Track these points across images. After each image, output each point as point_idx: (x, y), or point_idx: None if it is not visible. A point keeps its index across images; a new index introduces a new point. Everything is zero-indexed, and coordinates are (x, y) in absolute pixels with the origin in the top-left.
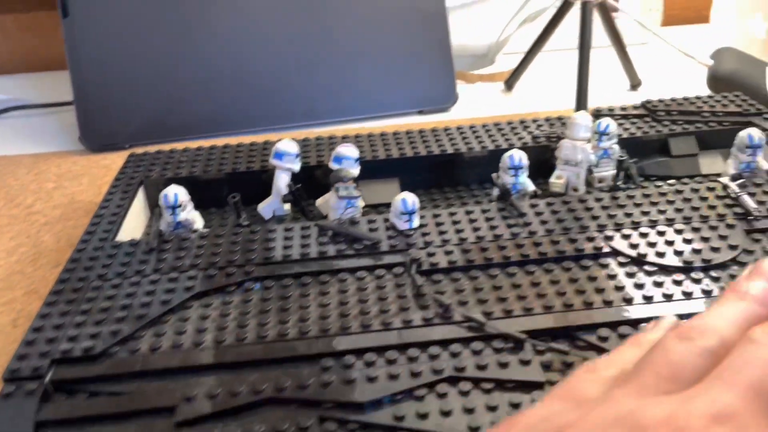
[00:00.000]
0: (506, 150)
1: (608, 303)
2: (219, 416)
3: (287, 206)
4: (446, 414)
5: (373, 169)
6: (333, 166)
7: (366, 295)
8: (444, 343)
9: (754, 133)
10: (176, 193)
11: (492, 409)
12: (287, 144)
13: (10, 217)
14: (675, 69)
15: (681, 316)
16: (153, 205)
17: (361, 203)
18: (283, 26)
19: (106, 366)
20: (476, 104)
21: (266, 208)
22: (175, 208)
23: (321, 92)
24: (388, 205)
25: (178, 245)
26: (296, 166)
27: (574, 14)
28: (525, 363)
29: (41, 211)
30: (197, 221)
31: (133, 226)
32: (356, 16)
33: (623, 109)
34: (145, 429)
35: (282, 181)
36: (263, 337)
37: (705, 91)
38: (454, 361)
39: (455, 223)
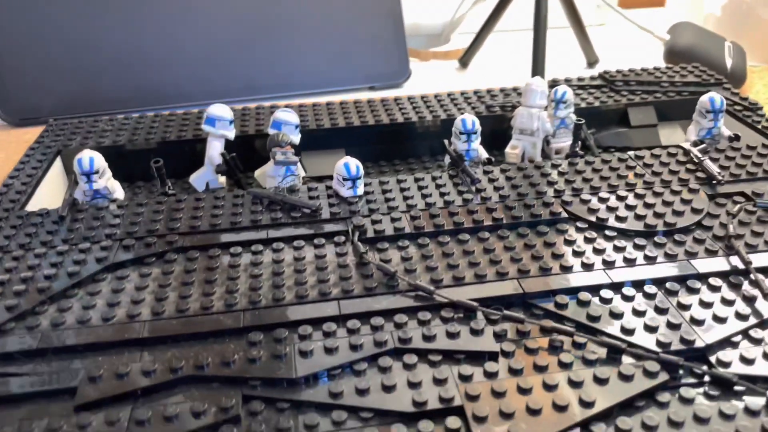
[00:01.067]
0: None
1: (566, 269)
2: (127, 398)
3: (222, 178)
4: (389, 389)
5: (317, 139)
6: (272, 131)
7: (302, 265)
8: (388, 314)
9: (716, 98)
10: (92, 157)
11: (440, 382)
12: (220, 108)
13: None
14: (632, 47)
15: (643, 281)
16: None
17: (301, 172)
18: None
19: None
20: (430, 81)
21: (199, 179)
22: (90, 174)
23: (264, 66)
24: (333, 178)
25: (94, 215)
26: (230, 133)
27: None
28: (477, 333)
29: None
30: (117, 191)
31: (50, 197)
32: None
33: (580, 79)
34: (39, 413)
35: (215, 150)
36: (184, 310)
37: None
38: (398, 332)
39: (403, 190)
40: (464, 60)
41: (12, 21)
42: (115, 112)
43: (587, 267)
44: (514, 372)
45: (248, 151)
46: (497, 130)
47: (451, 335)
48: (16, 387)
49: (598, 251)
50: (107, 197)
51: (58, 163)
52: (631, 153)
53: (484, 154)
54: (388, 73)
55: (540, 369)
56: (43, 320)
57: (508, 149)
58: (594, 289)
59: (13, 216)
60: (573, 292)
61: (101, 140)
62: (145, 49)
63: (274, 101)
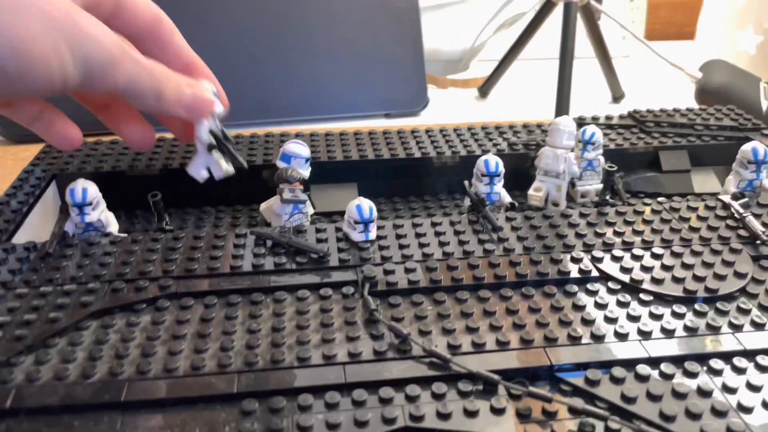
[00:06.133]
0: (480, 156)
1: (598, 338)
2: None
3: (223, 164)
4: None
5: (329, 172)
6: (280, 164)
7: (306, 320)
8: (399, 384)
9: (759, 148)
10: (85, 188)
11: None
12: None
13: None
14: (659, 82)
15: (684, 357)
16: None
17: (309, 209)
18: (233, 17)
19: None
20: (448, 110)
21: (196, 167)
22: (83, 206)
23: (277, 88)
24: (343, 213)
25: (84, 251)
26: (219, 108)
27: (554, 21)
28: (497, 412)
29: None
30: (111, 223)
31: (42, 227)
32: (320, 10)
33: (608, 118)
34: None
35: (203, 129)
36: (172, 370)
37: (692, 105)
38: (410, 406)
39: (419, 236)
40: (484, 89)
41: None
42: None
43: (621, 337)
44: None
45: (255, 182)
46: (519, 169)
47: (469, 413)
48: None
49: (632, 318)
50: (100, 230)
51: (52, 187)
52: (665, 204)
53: (507, 198)
54: (405, 101)
55: None
56: (18, 374)
57: (531, 191)
58: (629, 364)
59: None
60: (606, 365)
61: (100, 165)
62: None
63: (285, 125)
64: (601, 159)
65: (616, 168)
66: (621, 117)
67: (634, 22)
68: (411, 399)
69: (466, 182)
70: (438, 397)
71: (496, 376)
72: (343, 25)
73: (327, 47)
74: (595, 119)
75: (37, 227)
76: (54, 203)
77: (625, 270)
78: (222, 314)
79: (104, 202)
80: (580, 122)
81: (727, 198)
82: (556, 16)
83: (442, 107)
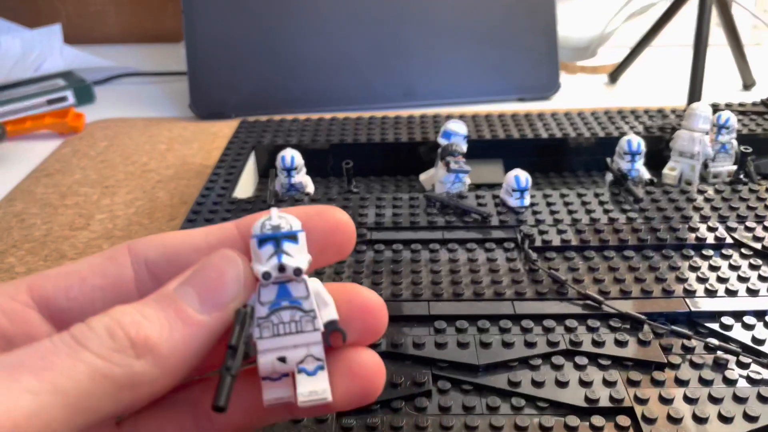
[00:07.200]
0: (616, 138)
1: (732, 293)
2: None
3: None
4: (562, 385)
5: (477, 149)
6: (442, 141)
7: (477, 266)
8: (559, 318)
9: None
10: (293, 155)
11: (610, 384)
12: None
13: (127, 173)
14: None
15: None
16: (262, 170)
17: (467, 179)
18: (384, 6)
19: None
20: (578, 95)
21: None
22: (291, 170)
23: (420, 74)
24: (490, 186)
25: (292, 205)
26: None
27: (685, 10)
28: (644, 343)
29: (155, 169)
30: (309, 185)
31: (244, 188)
32: (464, 5)
33: (741, 105)
34: None
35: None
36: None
37: None
38: (569, 335)
39: (567, 204)
40: (614, 75)
41: (208, 27)
42: (287, 113)
43: (753, 293)
44: (681, 383)
45: (413, 156)
46: (652, 151)
47: (620, 343)
48: None
49: (763, 279)
50: (300, 191)
51: (251, 156)
52: None
53: (646, 175)
54: (538, 86)
55: (705, 383)
56: None
57: (666, 170)
58: (759, 315)
59: (226, 201)
60: (738, 315)
61: (288, 138)
62: (317, 58)
63: (429, 108)
64: (734, 142)
65: (751, 150)
66: (754, 104)
67: (766, 11)
68: (569, 330)
69: (608, 159)
70: (592, 330)
71: (642, 316)
72: (481, 16)
73: (466, 37)
74: (727, 105)
75: (243, 188)
76: (254, 169)
77: (757, 239)
78: (408, 258)
79: (305, 167)
80: (715, 108)
81: None
82: (689, 4)
83: (572, 92)
